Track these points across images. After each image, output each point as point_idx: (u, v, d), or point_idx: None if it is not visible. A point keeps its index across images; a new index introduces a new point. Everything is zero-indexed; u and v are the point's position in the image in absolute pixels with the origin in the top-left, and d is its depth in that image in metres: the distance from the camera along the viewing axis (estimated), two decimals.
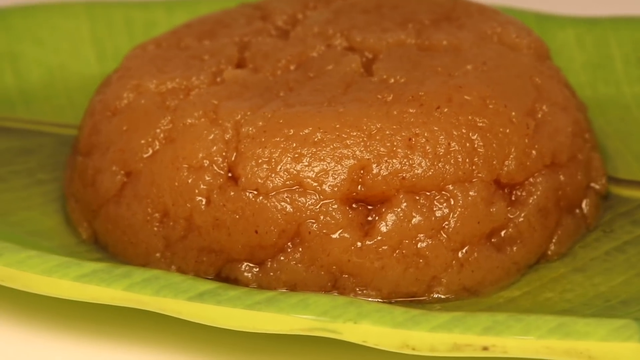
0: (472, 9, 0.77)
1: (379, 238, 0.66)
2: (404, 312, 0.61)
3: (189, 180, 0.67)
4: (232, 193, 0.67)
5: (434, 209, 0.66)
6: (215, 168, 0.67)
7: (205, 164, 0.67)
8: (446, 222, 0.66)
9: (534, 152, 0.69)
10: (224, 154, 0.67)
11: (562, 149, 0.71)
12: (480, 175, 0.67)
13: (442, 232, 0.66)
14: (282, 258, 0.66)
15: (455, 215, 0.66)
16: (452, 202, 0.66)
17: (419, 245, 0.66)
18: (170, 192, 0.68)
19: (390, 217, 0.66)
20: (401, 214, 0.66)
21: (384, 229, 0.66)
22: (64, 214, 0.75)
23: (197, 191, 0.67)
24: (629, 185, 0.75)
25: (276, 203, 0.66)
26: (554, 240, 0.70)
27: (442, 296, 0.66)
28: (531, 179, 0.69)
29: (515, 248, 0.68)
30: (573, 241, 0.71)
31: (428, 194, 0.66)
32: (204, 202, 0.67)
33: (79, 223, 0.73)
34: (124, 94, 0.73)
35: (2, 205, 0.75)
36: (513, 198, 0.68)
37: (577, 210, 0.72)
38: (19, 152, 0.81)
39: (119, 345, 0.66)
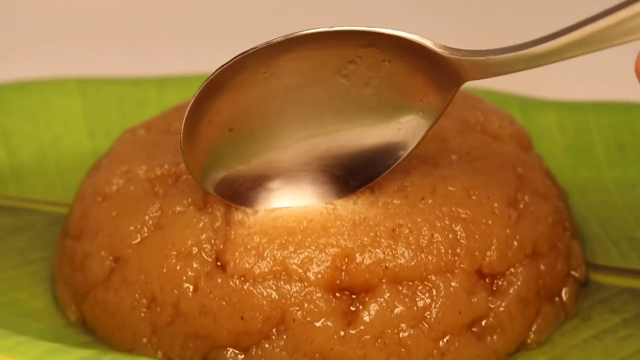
0: (456, 96, 0.78)
1: (362, 327, 0.67)
2: None
3: (177, 267, 0.69)
4: (219, 280, 0.68)
5: (416, 299, 0.67)
6: (204, 255, 0.68)
7: (194, 252, 0.69)
8: (428, 312, 0.67)
9: (515, 242, 0.70)
10: (212, 241, 0.69)
11: (543, 238, 0.72)
12: (462, 265, 0.68)
13: (424, 322, 0.67)
14: (266, 345, 0.67)
15: (437, 305, 0.67)
16: (434, 292, 0.68)
17: (400, 335, 0.67)
18: (159, 278, 0.69)
19: (374, 307, 0.67)
20: (384, 304, 0.67)
21: (367, 318, 0.67)
22: (53, 295, 0.76)
23: (184, 278, 0.68)
24: (607, 272, 0.76)
25: (262, 290, 0.67)
26: (533, 329, 0.71)
27: None
28: (512, 269, 0.70)
29: (495, 337, 0.69)
30: (552, 329, 0.72)
31: (411, 284, 0.68)
32: (191, 289, 0.68)
33: (67, 306, 0.74)
34: (114, 179, 0.74)
35: None
36: (494, 288, 0.70)
37: (557, 299, 0.73)
38: (9, 230, 0.82)
39: None
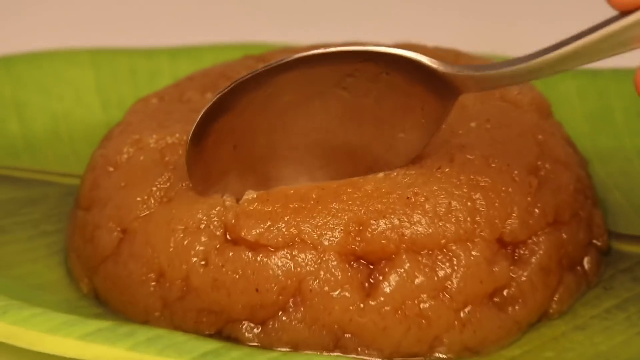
0: (474, 63, 0.77)
1: (382, 299, 0.66)
2: None
3: (185, 242, 0.67)
4: (230, 253, 0.67)
5: (437, 269, 0.66)
6: (213, 229, 0.67)
7: (202, 226, 0.67)
8: (449, 282, 0.66)
9: (536, 210, 0.69)
10: (222, 217, 0.67)
11: (565, 206, 0.71)
12: (482, 234, 0.67)
13: (444, 292, 0.66)
14: (283, 318, 0.66)
15: (458, 275, 0.66)
16: (455, 262, 0.66)
17: (421, 306, 0.66)
18: (166, 253, 0.68)
19: (394, 278, 0.66)
20: (404, 275, 0.66)
21: (387, 289, 0.66)
22: (67, 267, 0.75)
23: (192, 252, 0.67)
24: (629, 241, 0.75)
25: (277, 260, 0.66)
26: (555, 299, 0.70)
27: (444, 356, 0.67)
28: (534, 238, 0.69)
29: (517, 307, 0.68)
30: (574, 299, 0.71)
31: (430, 253, 0.67)
32: (201, 264, 0.67)
33: (79, 278, 0.74)
34: (124, 148, 0.73)
35: (6, 257, 0.76)
36: (516, 257, 0.69)
37: (578, 268, 0.72)
38: (24, 202, 0.81)
39: None
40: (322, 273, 0.66)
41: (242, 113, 0.66)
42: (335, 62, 0.64)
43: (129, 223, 0.70)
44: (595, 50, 0.59)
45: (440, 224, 0.67)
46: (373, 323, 0.66)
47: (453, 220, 0.67)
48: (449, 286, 0.66)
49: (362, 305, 0.66)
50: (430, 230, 0.66)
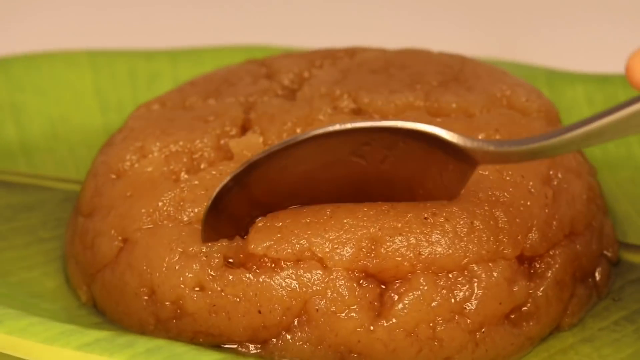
0: (480, 70, 0.76)
1: (394, 320, 0.64)
2: None
3: (177, 267, 0.66)
4: (230, 277, 0.65)
5: (455, 290, 0.64)
6: (210, 258, 0.65)
7: (201, 254, 0.66)
8: (467, 304, 0.64)
9: (554, 222, 0.67)
10: (225, 249, 0.66)
11: (580, 217, 0.69)
12: (505, 252, 0.65)
13: (461, 314, 0.64)
14: (287, 336, 0.65)
15: (478, 297, 0.64)
16: (475, 283, 0.64)
17: (436, 329, 0.64)
18: (159, 272, 0.66)
19: (409, 299, 0.64)
20: (421, 297, 0.64)
21: (402, 311, 0.64)
22: (65, 275, 0.74)
23: (182, 279, 0.65)
24: (638, 251, 0.74)
25: (280, 280, 0.64)
26: (568, 312, 0.68)
27: None
28: (551, 251, 0.67)
29: (531, 323, 0.66)
30: (585, 311, 0.69)
31: (449, 274, 0.64)
32: (195, 290, 0.65)
33: (78, 286, 0.72)
34: (127, 155, 0.72)
35: (2, 264, 0.74)
36: (532, 271, 0.67)
37: (590, 279, 0.70)
38: (20, 208, 0.80)
39: None
40: (329, 292, 0.64)
41: (256, 186, 0.65)
42: (351, 134, 0.63)
43: (131, 233, 0.68)
44: (616, 130, 0.58)
45: (461, 244, 0.64)
46: (383, 344, 0.64)
47: (475, 240, 0.65)
48: (466, 308, 0.64)
49: (371, 327, 0.64)
50: (451, 251, 0.64)
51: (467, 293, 0.64)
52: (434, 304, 0.64)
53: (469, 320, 0.64)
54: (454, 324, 0.64)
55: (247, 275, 0.65)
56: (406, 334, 0.64)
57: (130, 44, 0.91)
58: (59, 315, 0.69)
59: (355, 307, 0.64)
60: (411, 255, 0.64)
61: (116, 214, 0.70)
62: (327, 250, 0.64)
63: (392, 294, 0.64)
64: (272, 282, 0.64)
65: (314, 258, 0.64)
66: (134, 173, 0.71)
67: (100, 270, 0.70)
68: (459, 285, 0.64)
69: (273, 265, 0.65)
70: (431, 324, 0.64)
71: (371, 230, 0.64)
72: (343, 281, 0.64)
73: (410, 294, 0.64)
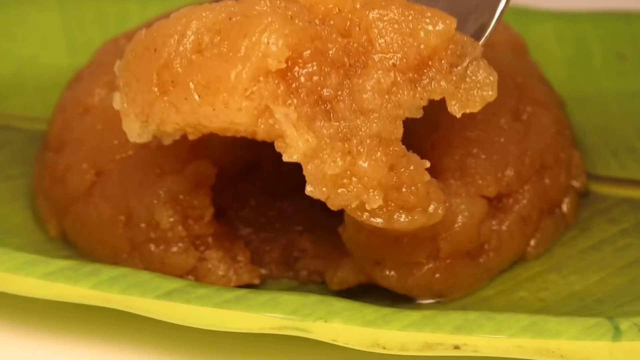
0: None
1: None
2: (375, 311, 0.60)
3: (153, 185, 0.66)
4: None
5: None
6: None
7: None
8: (442, 242, 0.64)
9: (526, 159, 0.68)
10: None
11: (549, 150, 0.69)
12: (489, 189, 0.65)
13: (435, 248, 0.64)
14: None
15: (453, 234, 0.64)
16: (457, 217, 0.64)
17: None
18: (137, 195, 0.66)
19: None
20: None
21: None
22: (33, 211, 0.73)
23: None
24: (606, 182, 0.74)
25: None
26: (532, 244, 0.68)
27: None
28: (522, 188, 0.67)
29: (491, 255, 0.66)
30: (552, 241, 0.70)
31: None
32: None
33: (47, 220, 0.72)
34: (96, 90, 0.71)
35: None
36: (499, 206, 0.67)
37: (557, 210, 0.70)
38: None
39: (85, 343, 0.65)
40: None
41: None
42: None
43: (104, 165, 0.68)
44: None
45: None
46: None
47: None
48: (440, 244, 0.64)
49: None
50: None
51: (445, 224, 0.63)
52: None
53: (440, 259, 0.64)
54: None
55: None
56: None
57: None
58: (26, 248, 0.69)
59: None
60: None
61: (87, 147, 0.69)
62: None
63: None
64: None
65: None
66: (103, 106, 0.71)
67: (72, 204, 0.70)
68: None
69: None
70: None
71: None
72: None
73: None
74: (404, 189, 0.57)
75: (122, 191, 0.67)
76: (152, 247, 0.66)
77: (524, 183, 0.67)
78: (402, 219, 0.57)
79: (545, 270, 0.68)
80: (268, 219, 0.70)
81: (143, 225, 0.66)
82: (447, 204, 0.61)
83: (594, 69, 0.82)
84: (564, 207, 0.71)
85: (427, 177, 0.57)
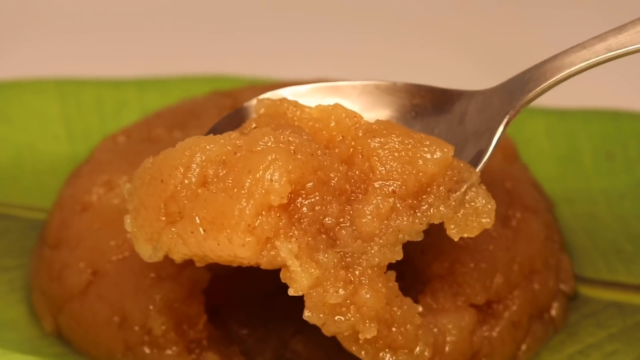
0: None
1: None
2: None
3: (149, 290, 0.67)
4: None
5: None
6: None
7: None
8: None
9: (515, 265, 0.69)
10: None
11: (538, 256, 0.70)
12: (477, 298, 0.66)
13: None
14: None
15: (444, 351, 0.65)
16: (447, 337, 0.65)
17: None
18: (132, 297, 0.67)
19: None
20: None
21: None
22: (28, 304, 0.74)
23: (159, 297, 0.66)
24: (594, 285, 0.75)
25: None
26: (522, 349, 0.69)
27: None
28: (511, 294, 0.68)
29: None
30: (542, 345, 0.70)
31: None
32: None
33: (42, 316, 0.72)
34: (94, 188, 0.72)
35: None
36: (489, 312, 0.68)
37: (546, 315, 0.71)
38: None
39: None
40: None
41: None
42: None
43: (101, 265, 0.69)
44: None
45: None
46: None
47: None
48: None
49: None
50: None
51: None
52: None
53: None
54: None
55: None
56: None
57: (98, 73, 0.91)
58: (21, 345, 0.70)
59: None
60: None
61: (85, 246, 0.70)
62: None
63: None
64: None
65: None
66: (101, 205, 0.72)
67: (68, 302, 0.70)
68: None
69: None
70: None
71: None
72: None
73: None
74: (394, 328, 0.58)
75: (118, 292, 0.68)
76: (147, 349, 0.67)
77: (513, 289, 0.68)
78: (386, 359, 0.58)
79: None
80: (261, 319, 0.71)
81: (137, 328, 0.67)
82: (434, 341, 0.62)
83: (584, 167, 0.83)
84: (553, 312, 0.72)
85: (419, 320, 0.58)
